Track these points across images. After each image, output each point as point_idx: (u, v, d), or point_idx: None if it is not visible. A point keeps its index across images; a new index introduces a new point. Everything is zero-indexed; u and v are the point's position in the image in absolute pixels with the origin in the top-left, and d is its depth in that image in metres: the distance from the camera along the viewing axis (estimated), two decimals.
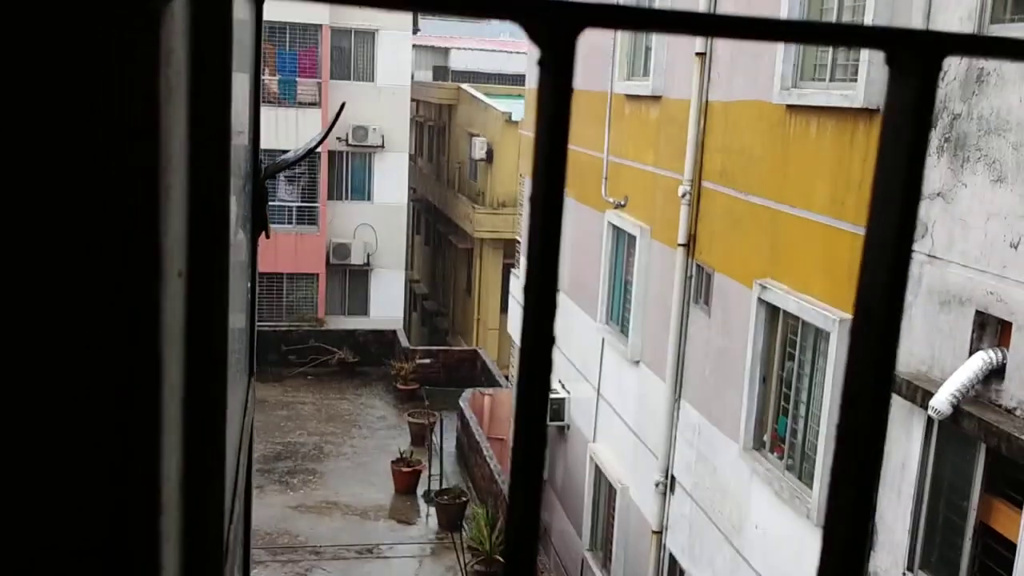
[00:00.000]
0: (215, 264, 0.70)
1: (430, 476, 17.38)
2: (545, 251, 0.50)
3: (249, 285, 1.65)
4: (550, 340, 0.52)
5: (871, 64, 7.32)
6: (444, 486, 17.07)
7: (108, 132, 0.45)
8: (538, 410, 0.49)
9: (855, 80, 7.63)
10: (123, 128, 0.45)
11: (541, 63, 0.48)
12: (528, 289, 0.50)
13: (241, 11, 1.37)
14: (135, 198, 0.46)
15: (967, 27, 6.41)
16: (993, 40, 0.53)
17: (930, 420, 6.43)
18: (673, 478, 10.93)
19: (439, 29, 42.59)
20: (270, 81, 25.20)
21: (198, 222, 0.67)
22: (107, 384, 0.47)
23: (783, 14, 8.51)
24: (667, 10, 0.48)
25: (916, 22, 6.82)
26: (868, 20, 7.35)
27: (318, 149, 24.70)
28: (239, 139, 1.52)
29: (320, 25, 25.09)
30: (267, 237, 1.69)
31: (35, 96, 0.44)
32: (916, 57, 0.50)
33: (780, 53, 8.61)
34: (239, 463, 1.24)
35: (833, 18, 8.10)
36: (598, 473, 13.23)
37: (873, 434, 0.53)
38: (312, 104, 25.24)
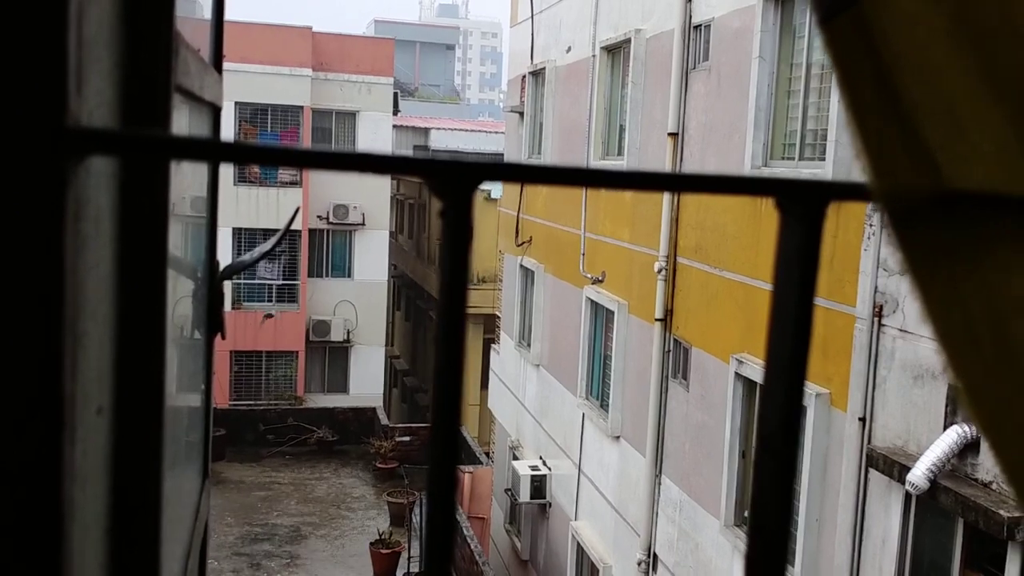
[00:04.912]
0: (146, 396, 0.71)
1: (410, 558, 17.07)
2: (447, 385, 0.52)
3: (204, 387, 1.65)
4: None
5: (838, 143, 7.48)
6: (424, 568, 16.73)
7: (3, 284, 0.46)
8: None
9: (823, 159, 7.80)
10: (22, 281, 0.47)
11: (442, 214, 0.52)
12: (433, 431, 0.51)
13: (196, 126, 1.40)
14: (35, 347, 0.48)
15: None
16: None
17: (908, 495, 6.41)
18: (655, 556, 10.79)
19: (419, 110, 43.26)
20: None
21: (127, 356, 0.69)
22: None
23: (751, 98, 8.72)
24: (554, 166, 0.50)
25: None
26: (834, 101, 7.54)
27: (298, 227, 24.81)
28: (195, 238, 1.54)
29: (302, 107, 25.44)
30: (223, 338, 1.71)
31: None
32: (801, 204, 0.53)
33: (750, 132, 8.81)
34: (187, 571, 1.23)
35: (800, 102, 8.31)
36: (580, 552, 13.04)
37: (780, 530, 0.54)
38: (293, 183, 25.44)
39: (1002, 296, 0.49)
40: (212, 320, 1.58)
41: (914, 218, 0.50)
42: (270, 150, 0.50)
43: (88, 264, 0.56)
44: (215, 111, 1.56)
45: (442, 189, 0.50)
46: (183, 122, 1.15)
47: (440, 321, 0.52)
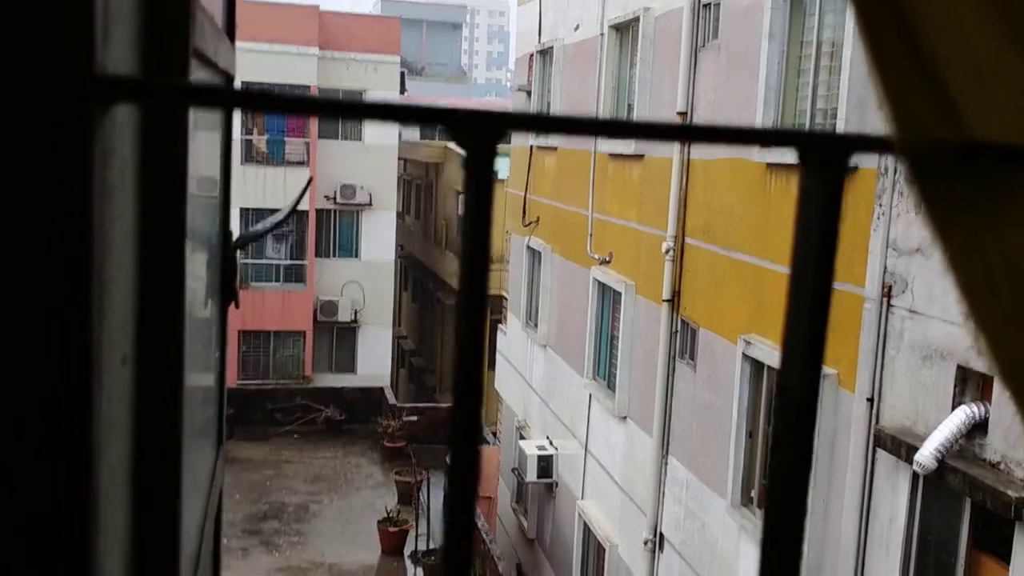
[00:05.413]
0: (167, 348, 0.72)
1: (417, 535, 17.17)
2: (469, 347, 0.52)
3: (218, 354, 1.66)
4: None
5: (848, 122, 7.45)
6: (432, 546, 16.86)
7: (35, 229, 0.47)
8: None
9: None
10: (52, 226, 0.47)
11: (466, 164, 0.52)
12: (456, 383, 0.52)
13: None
14: (63, 292, 0.48)
15: None
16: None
17: (915, 475, 6.42)
18: (662, 535, 10.84)
19: (426, 89, 43.12)
20: (258, 141, 25.40)
21: (149, 307, 0.69)
22: (29, 491, 0.48)
23: (761, 76, 8.68)
24: (576, 117, 0.50)
25: None
26: (844, 79, 7.50)
27: (305, 207, 24.81)
28: (208, 211, 1.55)
29: (308, 86, 25.38)
30: (236, 307, 1.71)
31: None
32: (824, 156, 0.53)
33: (760, 111, 8.76)
34: (204, 534, 1.24)
35: (810, 80, 8.26)
36: (587, 531, 13.10)
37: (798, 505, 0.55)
38: (300, 163, 25.42)
39: (1020, 248, 0.49)
40: (225, 290, 1.59)
41: (934, 170, 0.50)
42: (287, 99, 0.50)
43: (114, 213, 0.57)
44: (228, 80, 1.56)
45: (466, 139, 0.50)
46: None
47: (463, 272, 0.52)
